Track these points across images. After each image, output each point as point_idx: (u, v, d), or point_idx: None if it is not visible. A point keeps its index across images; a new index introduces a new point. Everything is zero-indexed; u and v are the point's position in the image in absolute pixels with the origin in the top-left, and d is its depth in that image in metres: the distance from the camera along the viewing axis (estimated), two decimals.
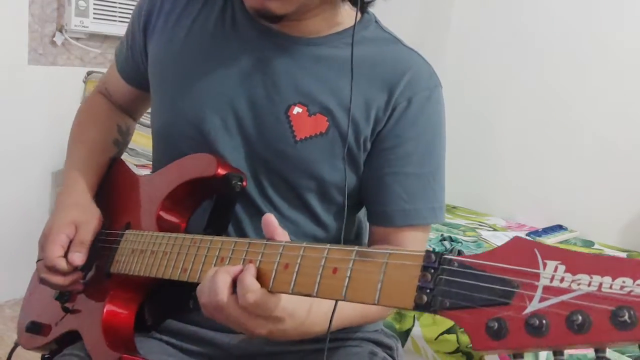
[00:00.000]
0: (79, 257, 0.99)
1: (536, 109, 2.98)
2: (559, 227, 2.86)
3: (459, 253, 2.34)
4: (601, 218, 2.80)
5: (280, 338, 0.81)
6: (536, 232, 2.79)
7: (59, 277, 0.99)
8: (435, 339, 1.90)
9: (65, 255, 0.99)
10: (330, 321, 0.83)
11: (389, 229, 1.03)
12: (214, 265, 0.80)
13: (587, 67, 2.82)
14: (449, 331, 1.89)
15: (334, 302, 0.82)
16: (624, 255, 2.63)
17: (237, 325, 0.76)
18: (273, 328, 0.77)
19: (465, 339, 1.85)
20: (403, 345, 1.77)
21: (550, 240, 2.71)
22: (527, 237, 2.72)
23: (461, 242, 2.47)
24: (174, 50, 1.05)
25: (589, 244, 2.75)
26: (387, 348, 1.13)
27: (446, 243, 2.46)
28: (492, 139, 3.14)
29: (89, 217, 1.04)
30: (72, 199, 1.08)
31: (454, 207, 3.19)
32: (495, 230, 2.84)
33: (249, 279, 0.72)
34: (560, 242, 2.74)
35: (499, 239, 2.65)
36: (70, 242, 1.01)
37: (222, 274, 0.74)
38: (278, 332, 0.78)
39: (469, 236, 2.66)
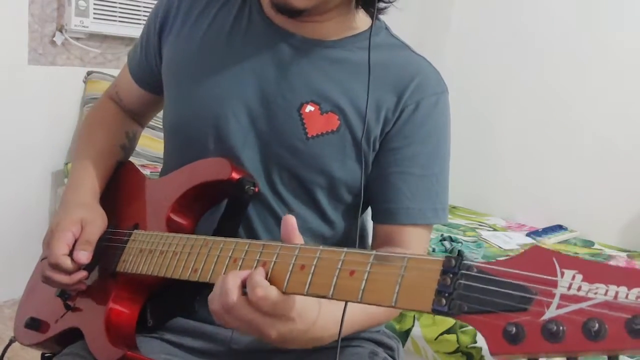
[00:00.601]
0: (84, 256, 0.99)
1: (536, 109, 2.99)
2: (559, 227, 2.87)
3: (459, 253, 2.35)
4: (601, 218, 2.81)
5: (290, 343, 0.80)
6: (536, 232, 2.80)
7: (63, 276, 0.99)
8: (435, 339, 1.90)
9: (71, 254, 0.99)
10: (341, 324, 0.83)
11: (393, 227, 1.05)
12: (226, 266, 0.80)
13: (587, 67, 2.83)
14: (448, 331, 1.89)
15: (343, 306, 0.82)
16: (624, 255, 2.64)
17: (247, 326, 0.76)
18: (282, 329, 0.76)
19: (465, 339, 1.85)
20: (403, 346, 1.77)
21: (551, 240, 2.72)
22: (528, 238, 2.74)
23: (461, 242, 2.48)
24: (191, 49, 1.08)
25: (589, 244, 2.76)
26: (388, 348, 1.14)
27: (446, 243, 2.46)
28: (492, 139, 3.15)
29: (94, 217, 1.05)
30: (79, 199, 1.08)
31: (454, 207, 3.20)
32: (495, 230, 2.85)
33: (258, 277, 0.73)
34: (560, 242, 2.75)
35: (499, 239, 2.65)
36: (76, 241, 1.01)
37: (232, 276, 0.75)
38: (288, 334, 0.77)
39: (469, 236, 2.67)
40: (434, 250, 2.40)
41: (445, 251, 2.41)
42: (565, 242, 2.77)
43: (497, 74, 3.10)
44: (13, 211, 2.70)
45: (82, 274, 1.00)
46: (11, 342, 1.21)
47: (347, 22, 1.05)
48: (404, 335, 1.96)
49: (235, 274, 0.75)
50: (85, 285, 1.03)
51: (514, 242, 2.65)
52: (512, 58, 3.05)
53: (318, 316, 0.81)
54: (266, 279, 0.74)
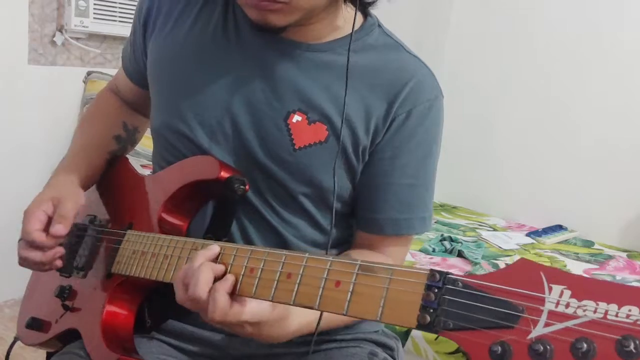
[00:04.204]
0: (60, 228, 0.98)
1: (536, 109, 2.98)
2: (559, 227, 2.86)
3: (459, 253, 2.35)
4: (601, 218, 2.81)
5: (266, 339, 0.82)
6: (536, 232, 2.79)
7: (39, 253, 0.99)
8: (436, 339, 1.90)
9: (46, 231, 0.99)
10: (319, 321, 0.84)
11: (377, 237, 1.03)
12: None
13: (587, 67, 2.82)
14: None
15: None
16: (624, 255, 2.64)
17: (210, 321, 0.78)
18: (251, 331, 0.78)
19: None
20: (403, 346, 1.76)
21: (550, 240, 2.71)
22: (528, 238, 2.73)
23: (461, 242, 2.47)
24: (172, 52, 1.04)
25: (589, 244, 2.75)
26: (388, 348, 1.12)
27: (446, 243, 2.46)
28: (492, 139, 3.14)
29: (66, 194, 1.03)
30: (52, 182, 1.08)
31: (454, 207, 3.19)
32: (495, 230, 2.84)
33: (222, 297, 0.74)
34: (560, 242, 2.74)
35: (499, 239, 2.65)
36: (50, 218, 1.00)
37: (206, 270, 0.76)
38: (258, 333, 0.80)
39: (469, 236, 2.66)
40: (433, 251, 2.39)
41: (445, 251, 2.41)
42: (565, 242, 2.76)
43: (497, 74, 3.09)
44: (13, 211, 2.69)
45: (57, 250, 1.00)
46: (15, 341, 1.21)
47: (336, 22, 0.99)
48: (404, 335, 1.96)
49: (209, 267, 0.77)
50: (62, 262, 1.02)
51: (514, 242, 2.65)
52: (512, 58, 3.04)
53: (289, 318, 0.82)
54: (236, 288, 0.76)
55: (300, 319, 0.85)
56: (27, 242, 0.99)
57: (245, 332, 0.78)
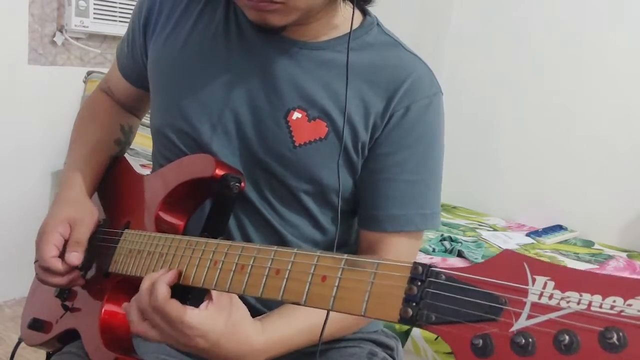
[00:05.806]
0: (76, 257, 0.98)
1: (536, 109, 2.98)
2: (559, 227, 2.86)
3: (459, 253, 2.35)
4: (601, 218, 2.80)
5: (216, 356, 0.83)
6: (536, 232, 2.79)
7: (57, 278, 0.99)
8: (435, 339, 1.90)
9: (61, 255, 0.99)
10: (323, 327, 0.83)
11: (378, 234, 1.02)
12: (207, 268, 0.80)
13: (587, 67, 2.82)
14: None
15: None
16: (624, 255, 2.63)
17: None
18: (203, 344, 0.80)
19: None
20: (403, 346, 1.76)
21: (550, 240, 2.71)
22: (528, 238, 2.72)
23: (461, 242, 2.47)
24: (174, 51, 1.04)
25: (589, 244, 2.75)
26: (387, 348, 1.12)
27: (446, 243, 2.45)
28: (491, 139, 3.14)
29: (83, 215, 1.03)
30: (67, 196, 1.07)
31: (454, 207, 3.19)
32: (495, 230, 2.84)
33: (161, 287, 0.80)
34: (560, 242, 2.73)
35: (499, 239, 2.65)
36: (66, 241, 1.00)
37: (147, 281, 0.83)
38: (210, 348, 0.81)
39: (469, 236, 2.66)
40: (433, 251, 2.39)
41: (445, 251, 2.40)
42: (565, 242, 2.75)
43: (496, 74, 3.09)
44: (13, 211, 2.70)
45: (76, 273, 1.00)
46: (20, 342, 1.22)
47: (334, 21, 1.00)
48: (404, 335, 1.96)
49: (149, 276, 0.82)
50: (83, 281, 1.03)
51: (514, 242, 2.64)
52: (511, 58, 3.04)
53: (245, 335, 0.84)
54: (179, 281, 0.82)
55: (268, 334, 0.87)
56: (43, 268, 1.00)
57: (198, 345, 0.80)
